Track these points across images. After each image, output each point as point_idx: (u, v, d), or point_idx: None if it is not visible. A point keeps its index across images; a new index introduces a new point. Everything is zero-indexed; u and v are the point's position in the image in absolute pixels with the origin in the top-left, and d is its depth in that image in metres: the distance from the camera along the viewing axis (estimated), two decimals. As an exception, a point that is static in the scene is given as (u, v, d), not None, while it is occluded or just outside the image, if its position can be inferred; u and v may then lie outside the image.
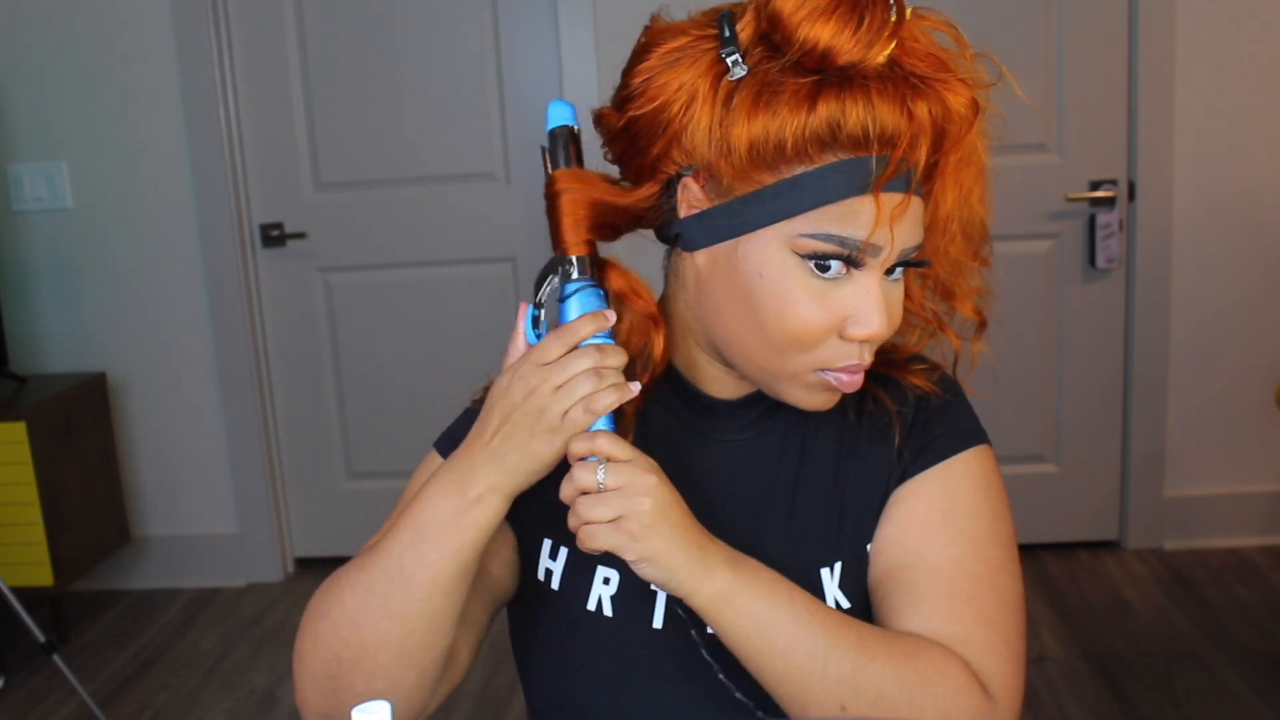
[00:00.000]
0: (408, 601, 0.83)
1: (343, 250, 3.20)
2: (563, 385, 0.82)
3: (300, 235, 3.18)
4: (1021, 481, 3.11)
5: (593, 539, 0.81)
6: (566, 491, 0.83)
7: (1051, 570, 3.07)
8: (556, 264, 0.88)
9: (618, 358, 0.84)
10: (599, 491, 0.81)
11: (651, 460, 0.83)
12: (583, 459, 0.82)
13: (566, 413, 0.82)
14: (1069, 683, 2.51)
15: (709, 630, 0.88)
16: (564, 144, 0.89)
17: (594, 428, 0.83)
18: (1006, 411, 3.07)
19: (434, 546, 0.83)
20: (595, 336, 0.85)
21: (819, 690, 0.81)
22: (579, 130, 0.91)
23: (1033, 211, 3.02)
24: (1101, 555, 3.14)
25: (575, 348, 0.84)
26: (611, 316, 0.86)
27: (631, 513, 0.80)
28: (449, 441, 0.98)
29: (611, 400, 0.83)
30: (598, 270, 0.88)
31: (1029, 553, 3.12)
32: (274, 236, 3.18)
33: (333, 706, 0.86)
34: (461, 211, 3.17)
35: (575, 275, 0.87)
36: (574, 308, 0.86)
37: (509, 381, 0.84)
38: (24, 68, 3.09)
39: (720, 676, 0.88)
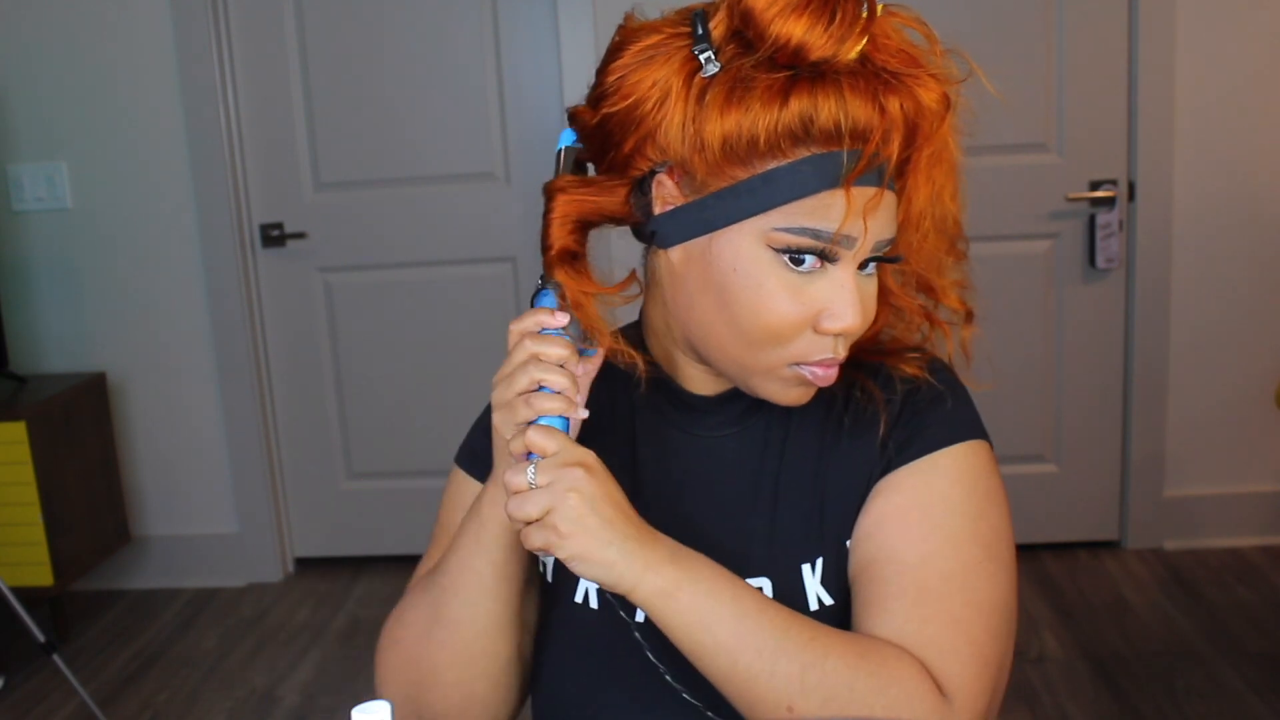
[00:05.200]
0: (459, 609, 0.89)
1: (343, 250, 3.20)
2: (506, 376, 0.84)
3: (300, 235, 3.19)
4: (1021, 481, 3.11)
5: (527, 540, 0.81)
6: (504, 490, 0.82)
7: (1051, 570, 3.07)
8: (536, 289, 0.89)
9: (557, 348, 0.83)
10: (530, 489, 0.80)
11: (585, 452, 0.81)
12: (526, 455, 0.81)
13: (510, 404, 0.83)
14: (1069, 683, 2.51)
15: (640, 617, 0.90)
16: (570, 159, 0.91)
17: (546, 421, 0.82)
18: (1006, 411, 3.07)
19: (471, 554, 0.88)
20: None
21: (765, 689, 0.80)
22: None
23: (1033, 211, 3.02)
24: (1101, 555, 3.14)
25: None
26: (561, 317, 0.84)
27: (557, 509, 0.79)
28: (468, 454, 1.02)
29: (555, 382, 0.82)
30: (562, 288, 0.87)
31: (1029, 553, 3.12)
32: (274, 236, 3.18)
33: None
34: (461, 211, 3.17)
35: (540, 285, 0.88)
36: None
37: None
38: (24, 68, 3.09)
39: (665, 675, 0.87)
